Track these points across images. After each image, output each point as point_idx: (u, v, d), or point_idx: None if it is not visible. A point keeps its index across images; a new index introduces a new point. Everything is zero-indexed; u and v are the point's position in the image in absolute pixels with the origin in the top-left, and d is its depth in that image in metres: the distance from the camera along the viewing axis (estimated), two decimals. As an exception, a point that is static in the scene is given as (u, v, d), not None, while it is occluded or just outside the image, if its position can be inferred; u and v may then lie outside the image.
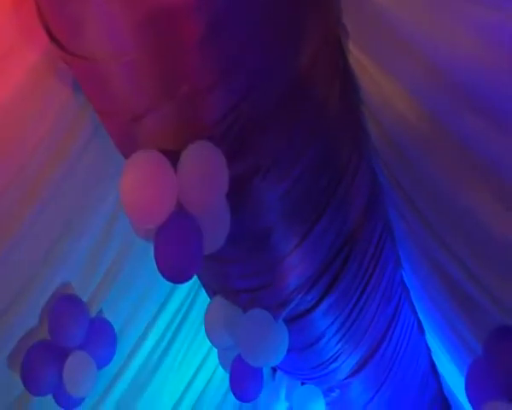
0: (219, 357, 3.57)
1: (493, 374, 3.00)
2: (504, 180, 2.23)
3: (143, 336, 3.61)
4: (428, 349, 4.53)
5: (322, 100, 2.54)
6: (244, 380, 3.44)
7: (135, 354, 3.60)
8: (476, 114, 2.06)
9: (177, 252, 2.28)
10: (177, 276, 2.37)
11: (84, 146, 2.65)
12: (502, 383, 2.97)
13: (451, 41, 1.91)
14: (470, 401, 3.17)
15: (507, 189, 2.25)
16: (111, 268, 3.12)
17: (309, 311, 3.36)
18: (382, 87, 2.49)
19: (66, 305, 2.89)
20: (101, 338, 3.07)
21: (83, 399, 3.09)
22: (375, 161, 3.13)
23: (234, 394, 3.47)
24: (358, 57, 2.52)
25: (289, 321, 3.36)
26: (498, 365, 2.95)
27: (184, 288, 3.67)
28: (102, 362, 3.16)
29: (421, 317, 4.20)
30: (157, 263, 2.34)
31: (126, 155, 2.31)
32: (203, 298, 3.56)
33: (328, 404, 4.17)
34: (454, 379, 4.33)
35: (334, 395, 4.20)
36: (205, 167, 2.27)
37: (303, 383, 4.13)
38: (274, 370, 4.21)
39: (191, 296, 3.79)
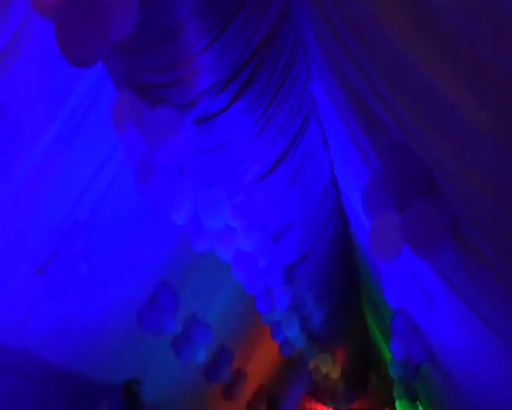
0: (125, 152, 3.57)
1: (387, 187, 3.14)
2: (423, 7, 2.21)
3: (45, 127, 3.52)
4: (331, 164, 4.68)
5: None
6: (149, 176, 3.47)
7: (37, 142, 3.53)
8: None
9: (79, 34, 2.18)
10: (79, 60, 2.28)
11: None
12: (394, 196, 3.12)
13: None
14: (365, 211, 3.34)
15: (423, 14, 2.23)
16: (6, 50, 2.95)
17: (219, 113, 3.36)
18: None
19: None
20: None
21: None
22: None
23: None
24: None
25: (199, 122, 3.37)
26: (392, 178, 3.08)
27: (90, 78, 3.54)
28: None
29: (327, 132, 4.30)
30: (58, 45, 2.24)
31: None
32: (110, 91, 3.45)
33: (233, 208, 4.29)
34: (352, 192, 4.53)
35: (239, 199, 4.34)
36: None
37: (209, 186, 4.21)
38: (181, 170, 4.26)
39: (96, 88, 3.66)
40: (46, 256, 4.25)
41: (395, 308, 5.55)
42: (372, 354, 11.53)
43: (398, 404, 7.29)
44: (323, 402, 13.69)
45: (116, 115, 3.27)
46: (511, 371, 3.79)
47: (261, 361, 9.88)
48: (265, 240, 4.91)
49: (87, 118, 3.68)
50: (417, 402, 7.35)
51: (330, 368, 9.44)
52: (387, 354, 7.79)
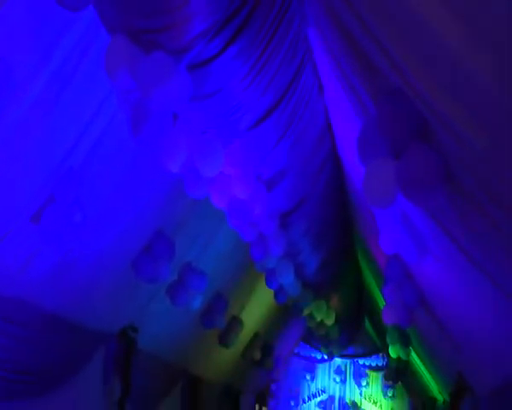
0: (119, 99, 3.53)
1: (382, 133, 3.13)
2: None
3: (38, 72, 3.46)
4: (326, 110, 4.65)
5: None
6: (144, 123, 3.44)
7: (30, 88, 3.48)
8: None
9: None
10: (70, 2, 2.24)
11: None
12: (389, 142, 3.11)
13: None
14: (360, 157, 3.33)
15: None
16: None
17: (214, 58, 3.32)
18: None
19: None
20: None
21: None
22: None
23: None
24: None
25: (193, 68, 3.32)
26: (387, 124, 3.07)
27: (83, 22, 3.47)
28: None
29: (323, 78, 4.26)
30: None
31: None
32: (104, 36, 3.38)
33: (227, 155, 4.28)
34: (347, 138, 4.52)
35: (233, 146, 4.32)
36: None
37: (203, 133, 4.18)
38: (175, 118, 4.22)
39: (89, 33, 3.58)
40: (40, 204, 4.25)
41: (389, 255, 5.60)
42: (366, 300, 11.66)
43: (391, 349, 7.41)
44: (317, 348, 13.89)
45: (110, 61, 3.22)
46: (504, 317, 3.84)
47: (256, 309, 9.98)
48: (260, 187, 4.91)
49: (81, 63, 3.62)
50: (410, 348, 7.47)
51: (324, 315, 9.54)
52: (381, 301, 7.88)
